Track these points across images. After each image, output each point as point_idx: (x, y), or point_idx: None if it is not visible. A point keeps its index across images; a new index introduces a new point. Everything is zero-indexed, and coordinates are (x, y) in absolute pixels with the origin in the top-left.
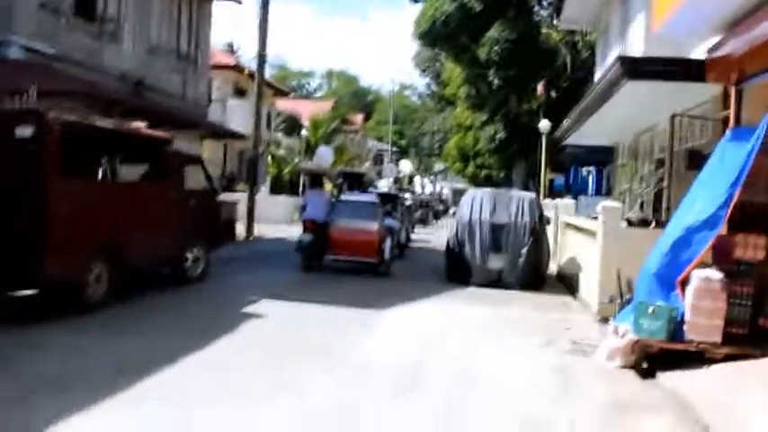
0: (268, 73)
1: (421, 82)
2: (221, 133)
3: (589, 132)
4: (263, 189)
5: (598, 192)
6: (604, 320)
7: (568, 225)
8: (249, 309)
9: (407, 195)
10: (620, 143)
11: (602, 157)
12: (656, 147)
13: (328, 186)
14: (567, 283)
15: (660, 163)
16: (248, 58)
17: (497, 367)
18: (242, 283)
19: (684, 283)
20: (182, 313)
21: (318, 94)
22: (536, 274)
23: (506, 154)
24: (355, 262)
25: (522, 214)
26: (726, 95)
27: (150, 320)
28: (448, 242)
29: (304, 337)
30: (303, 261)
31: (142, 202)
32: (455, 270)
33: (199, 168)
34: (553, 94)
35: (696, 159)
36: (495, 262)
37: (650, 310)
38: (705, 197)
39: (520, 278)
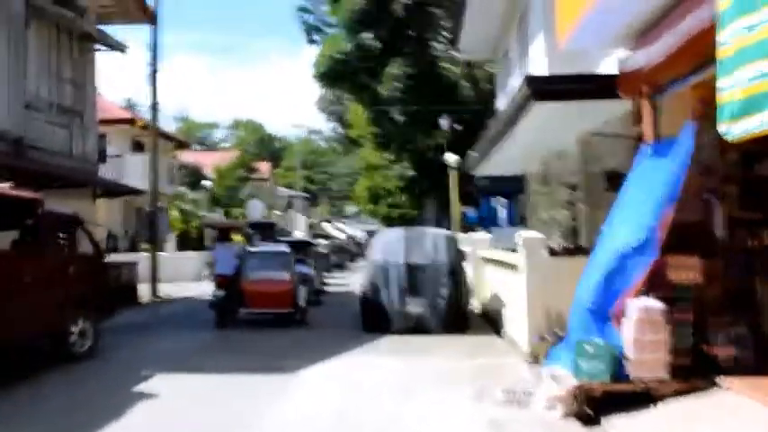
0: (171, 127)
1: (327, 126)
2: (115, 190)
3: (498, 162)
4: (169, 246)
5: (510, 222)
6: (536, 360)
7: (487, 260)
8: (142, 387)
9: (322, 241)
10: (529, 171)
11: (511, 186)
12: (568, 171)
13: (238, 238)
14: (491, 321)
15: (573, 188)
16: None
17: (427, 428)
18: (139, 355)
19: (620, 314)
20: (62, 401)
21: (225, 145)
22: (458, 315)
23: (417, 191)
24: (271, 314)
25: (439, 253)
26: (638, 110)
27: (22, 415)
28: (362, 288)
29: (202, 416)
30: (216, 318)
31: (11, 271)
32: (372, 318)
33: (82, 230)
34: (457, 127)
35: (615, 180)
36: (415, 306)
37: (589, 349)
38: (632, 219)
39: (442, 321)
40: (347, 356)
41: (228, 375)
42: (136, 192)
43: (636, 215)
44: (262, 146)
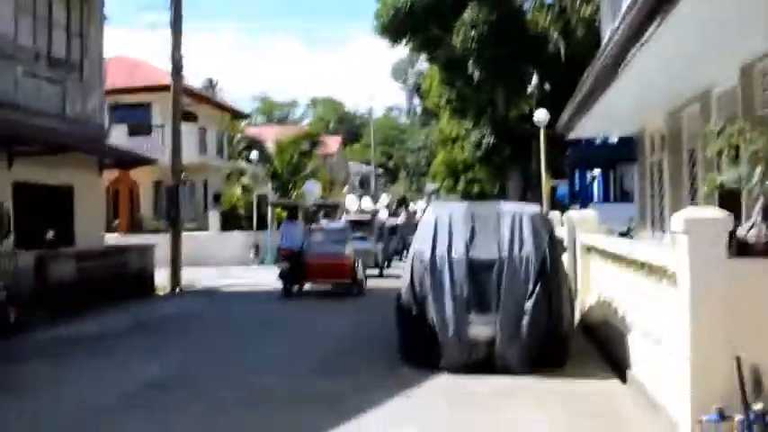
0: (249, 106)
1: (404, 99)
2: (126, 160)
3: (601, 117)
4: (212, 224)
5: (605, 198)
6: None
7: (595, 250)
8: None
9: (397, 220)
10: (646, 129)
11: (613, 154)
12: (717, 119)
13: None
14: (598, 341)
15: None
16: (233, 98)
17: None
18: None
19: None
20: None
21: (304, 123)
22: (553, 341)
23: (497, 162)
24: (332, 284)
25: (522, 241)
26: None
27: None
28: (399, 298)
29: None
30: (283, 288)
31: None
32: (413, 344)
33: None
34: (546, 87)
35: None
36: (481, 328)
37: None
38: None
39: (525, 353)
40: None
41: None
42: (149, 161)
43: None
44: (341, 124)
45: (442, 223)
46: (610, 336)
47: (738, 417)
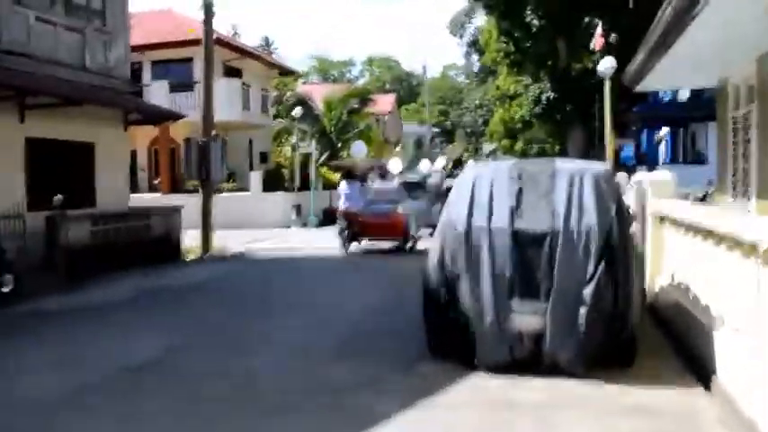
0: (305, 65)
1: (461, 54)
2: (153, 115)
3: (677, 63)
4: (254, 185)
5: (674, 161)
6: None
7: (673, 221)
8: None
9: (453, 181)
10: (730, 78)
11: (684, 112)
12: None
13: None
14: (674, 336)
15: None
16: (290, 57)
17: None
18: None
19: None
20: None
21: (360, 82)
22: (618, 336)
23: (557, 120)
24: (386, 240)
25: (582, 209)
26: None
27: None
28: (426, 277)
29: None
30: (342, 243)
31: None
32: (443, 335)
33: None
34: (612, 38)
35: None
36: (527, 318)
37: None
38: None
39: (582, 351)
40: None
41: None
42: (177, 116)
43: None
44: (397, 82)
45: (481, 185)
46: (688, 329)
47: None
